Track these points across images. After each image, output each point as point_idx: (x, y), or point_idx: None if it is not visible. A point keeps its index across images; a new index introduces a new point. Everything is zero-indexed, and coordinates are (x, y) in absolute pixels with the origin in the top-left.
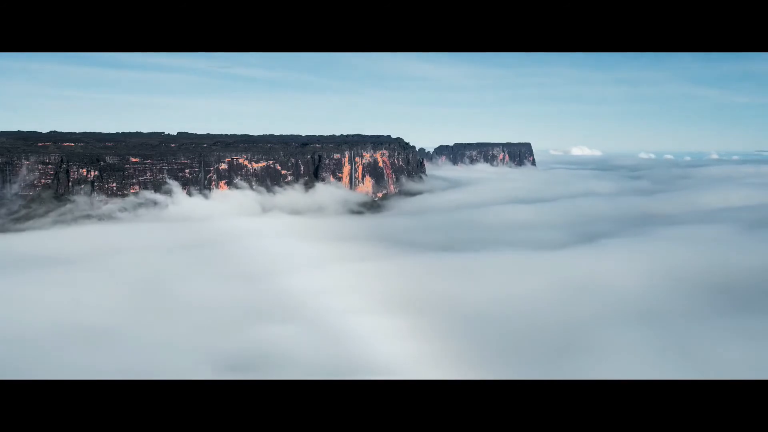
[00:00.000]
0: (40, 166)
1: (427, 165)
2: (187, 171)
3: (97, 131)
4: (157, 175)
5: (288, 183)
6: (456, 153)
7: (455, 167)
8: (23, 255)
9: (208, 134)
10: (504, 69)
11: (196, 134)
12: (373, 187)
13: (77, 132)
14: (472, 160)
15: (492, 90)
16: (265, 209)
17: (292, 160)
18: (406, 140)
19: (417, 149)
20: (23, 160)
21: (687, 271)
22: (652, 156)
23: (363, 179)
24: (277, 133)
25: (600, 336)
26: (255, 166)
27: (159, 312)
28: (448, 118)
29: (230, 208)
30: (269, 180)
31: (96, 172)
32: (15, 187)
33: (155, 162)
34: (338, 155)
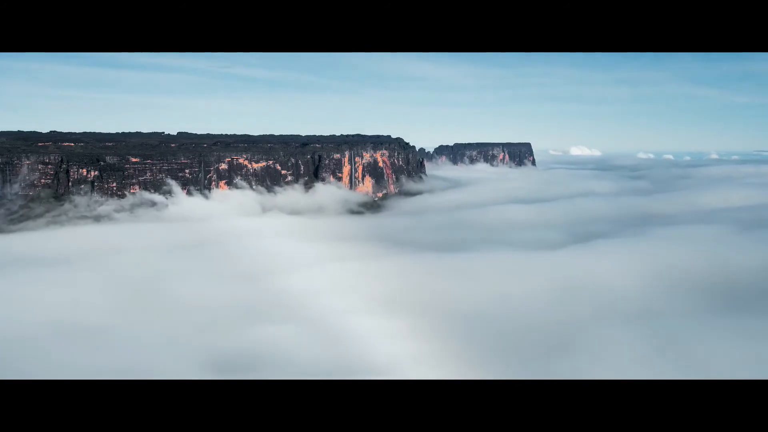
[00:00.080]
0: (40, 166)
1: (427, 165)
2: (187, 171)
3: (97, 131)
4: (157, 175)
5: (288, 183)
6: (456, 153)
7: (455, 167)
8: (22, 255)
9: (208, 134)
10: (504, 69)
11: (196, 134)
12: (373, 187)
13: (77, 132)
14: (472, 160)
15: (492, 90)
16: (265, 209)
17: (292, 160)
18: (406, 140)
19: (417, 149)
20: (23, 160)
21: (684, 271)
22: (652, 156)
23: (363, 179)
24: (277, 133)
25: (597, 336)
26: (255, 166)
27: (157, 312)
28: (448, 118)
29: (230, 208)
30: (269, 180)
31: (96, 172)
32: (15, 187)
33: (155, 162)
34: (338, 155)
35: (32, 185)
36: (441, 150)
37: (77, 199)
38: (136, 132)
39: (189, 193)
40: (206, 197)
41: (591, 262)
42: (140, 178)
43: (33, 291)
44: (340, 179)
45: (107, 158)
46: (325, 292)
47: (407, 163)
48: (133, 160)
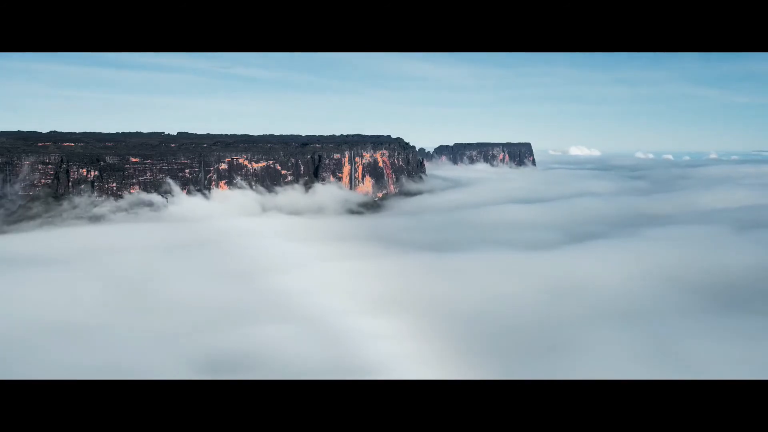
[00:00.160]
0: (40, 166)
1: (427, 165)
2: (187, 171)
3: (97, 131)
4: (157, 175)
5: (288, 183)
6: (456, 153)
7: (455, 167)
8: (21, 255)
9: (208, 134)
10: (504, 69)
11: (196, 134)
12: (373, 187)
13: (77, 132)
14: (472, 160)
15: (492, 90)
16: (265, 209)
17: (292, 160)
18: (406, 140)
19: (417, 149)
20: (23, 160)
21: (681, 271)
22: (651, 156)
23: (363, 179)
24: (277, 133)
25: (593, 336)
26: (255, 166)
27: (155, 311)
28: (448, 118)
29: (230, 208)
30: (269, 180)
31: (96, 172)
32: (15, 187)
33: (155, 162)
34: (338, 155)
35: (32, 185)
36: (441, 150)
37: (77, 199)
38: (136, 132)
39: (189, 192)
40: (206, 197)
41: (589, 262)
42: (140, 178)
43: (28, 291)
44: (340, 179)
45: (107, 158)
46: (325, 292)
47: (407, 163)
48: (133, 160)
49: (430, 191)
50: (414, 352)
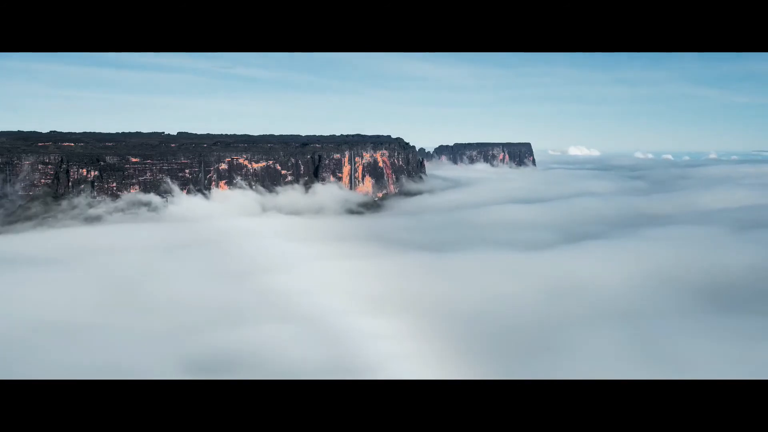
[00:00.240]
0: (40, 166)
1: (427, 165)
2: (187, 171)
3: (97, 131)
4: (157, 175)
5: (288, 183)
6: (456, 153)
7: (455, 167)
8: (21, 255)
9: (208, 134)
10: (504, 69)
11: (196, 134)
12: (373, 187)
13: (77, 132)
14: (472, 160)
15: (492, 90)
16: (265, 209)
17: (292, 160)
18: (406, 140)
19: (417, 149)
20: (23, 160)
21: (680, 271)
22: (651, 156)
23: (363, 179)
24: (277, 133)
25: (594, 335)
26: (255, 166)
27: (153, 311)
28: (448, 118)
29: (230, 208)
30: (269, 180)
31: (96, 172)
32: (15, 187)
33: (155, 162)
34: (338, 155)
35: (32, 185)
36: (441, 150)
37: (77, 199)
38: (136, 132)
39: (189, 192)
40: (206, 197)
41: (588, 262)
42: (140, 178)
43: (28, 291)
44: (340, 179)
45: (107, 158)
46: (325, 292)
47: (407, 163)
48: (133, 160)
49: (430, 191)
50: (414, 352)
